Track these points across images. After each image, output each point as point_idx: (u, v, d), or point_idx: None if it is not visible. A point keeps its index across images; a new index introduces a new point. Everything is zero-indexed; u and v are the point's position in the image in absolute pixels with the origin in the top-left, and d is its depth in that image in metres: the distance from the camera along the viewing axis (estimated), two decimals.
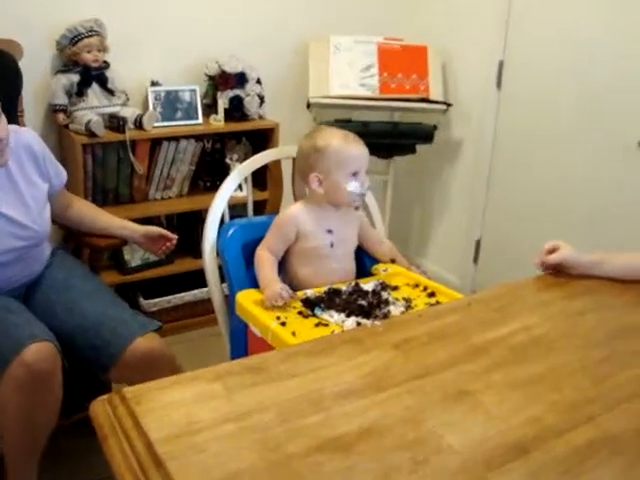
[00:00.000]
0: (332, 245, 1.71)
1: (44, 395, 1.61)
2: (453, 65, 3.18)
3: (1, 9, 2.44)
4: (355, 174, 1.66)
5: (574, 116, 2.68)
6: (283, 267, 1.74)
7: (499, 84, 2.98)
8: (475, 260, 3.27)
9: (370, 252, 1.84)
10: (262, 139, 2.89)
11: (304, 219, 1.69)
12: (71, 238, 2.17)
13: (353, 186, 1.66)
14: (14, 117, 2.22)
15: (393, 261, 1.80)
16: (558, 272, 1.52)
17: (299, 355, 1.13)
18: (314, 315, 1.48)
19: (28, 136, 1.84)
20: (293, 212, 1.71)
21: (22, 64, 2.27)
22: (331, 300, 1.53)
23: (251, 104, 2.82)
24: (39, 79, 2.56)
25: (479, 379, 1.06)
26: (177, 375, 1.05)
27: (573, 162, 2.71)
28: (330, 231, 1.71)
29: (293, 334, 1.39)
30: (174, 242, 2.05)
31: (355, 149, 1.66)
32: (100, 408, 0.98)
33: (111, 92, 2.59)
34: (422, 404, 0.99)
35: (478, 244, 3.24)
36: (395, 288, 1.64)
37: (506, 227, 3.07)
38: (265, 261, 1.66)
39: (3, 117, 1.66)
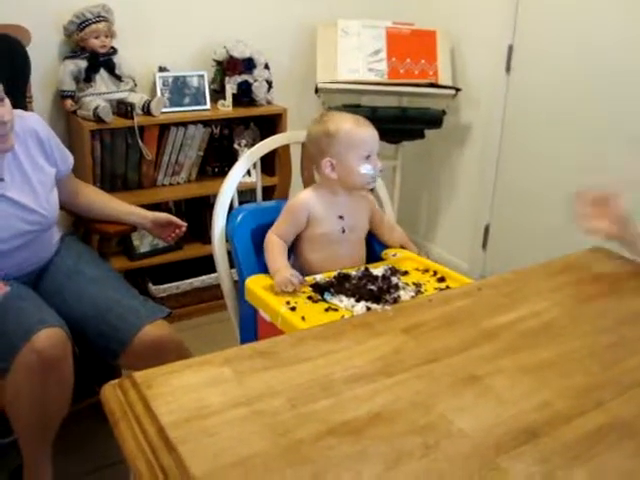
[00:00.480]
0: (343, 231, 1.71)
1: (55, 381, 1.61)
2: (462, 50, 3.16)
3: None
4: (368, 157, 1.65)
5: (583, 101, 2.65)
6: (293, 252, 1.74)
7: (508, 69, 2.95)
8: (484, 245, 3.26)
9: (380, 238, 1.84)
10: (270, 124, 2.88)
11: (315, 205, 1.69)
12: (80, 224, 2.18)
13: (366, 168, 1.65)
14: (22, 103, 2.22)
15: (403, 248, 1.80)
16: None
17: (309, 339, 1.13)
18: (324, 300, 1.49)
19: (33, 121, 1.84)
20: (304, 198, 1.71)
21: (30, 50, 2.27)
22: (341, 285, 1.53)
23: (259, 89, 2.81)
24: (47, 65, 2.56)
25: (489, 364, 1.06)
26: (187, 359, 1.06)
27: (582, 147, 2.69)
28: (341, 217, 1.71)
29: (303, 319, 1.39)
30: (183, 229, 2.05)
31: (366, 132, 1.66)
32: (111, 393, 0.98)
33: (119, 78, 2.59)
34: (432, 389, 0.99)
35: (487, 229, 3.23)
36: (405, 273, 1.64)
37: (515, 212, 3.06)
38: (275, 246, 1.66)
39: (7, 100, 1.65)
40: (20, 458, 1.72)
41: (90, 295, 1.80)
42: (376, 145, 1.69)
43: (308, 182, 1.88)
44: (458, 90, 3.00)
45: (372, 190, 1.76)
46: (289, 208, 1.71)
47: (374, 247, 1.84)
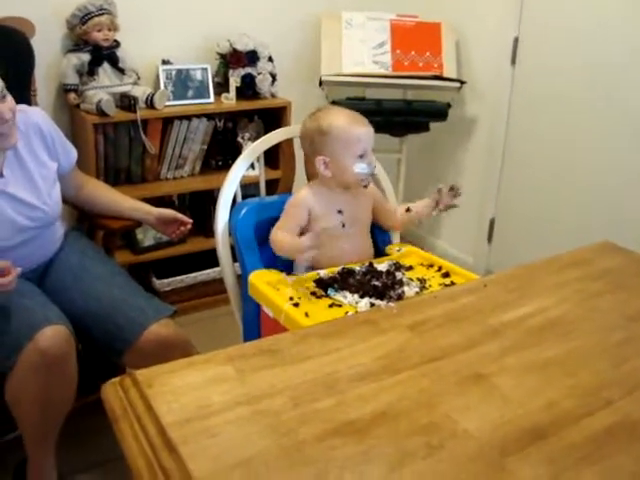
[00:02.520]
0: (343, 225, 1.69)
1: (59, 379, 1.61)
2: (467, 42, 3.13)
3: None
4: (361, 155, 1.63)
5: (590, 93, 2.63)
6: None
7: (514, 61, 2.93)
8: (489, 239, 3.24)
9: (389, 225, 1.82)
10: (274, 117, 2.87)
11: (314, 201, 1.68)
12: (85, 219, 2.16)
13: (360, 167, 1.63)
14: (27, 96, 2.21)
15: (408, 209, 1.78)
16: None
17: (312, 337, 1.12)
18: (327, 296, 1.48)
19: (36, 115, 1.82)
20: (303, 195, 1.70)
21: (33, 43, 2.25)
22: (345, 281, 1.52)
23: (263, 82, 2.79)
24: (50, 58, 2.54)
25: (495, 362, 1.05)
26: (189, 358, 1.04)
27: (588, 140, 2.67)
28: (340, 211, 1.69)
29: (306, 315, 1.38)
30: (189, 227, 2.03)
31: (360, 130, 1.63)
32: (112, 391, 0.97)
33: (122, 71, 2.57)
34: (437, 387, 0.98)
35: (492, 223, 3.21)
36: (409, 268, 1.63)
37: (520, 206, 3.04)
38: (282, 238, 1.64)
39: (9, 97, 1.64)
40: (24, 453, 1.71)
41: (95, 293, 1.79)
42: (371, 142, 1.66)
43: (312, 176, 1.87)
44: (463, 83, 2.98)
45: (366, 187, 1.71)
46: (289, 206, 1.70)
47: (377, 242, 1.82)
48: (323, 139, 1.63)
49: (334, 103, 2.86)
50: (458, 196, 1.71)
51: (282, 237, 1.64)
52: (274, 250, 1.66)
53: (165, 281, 2.83)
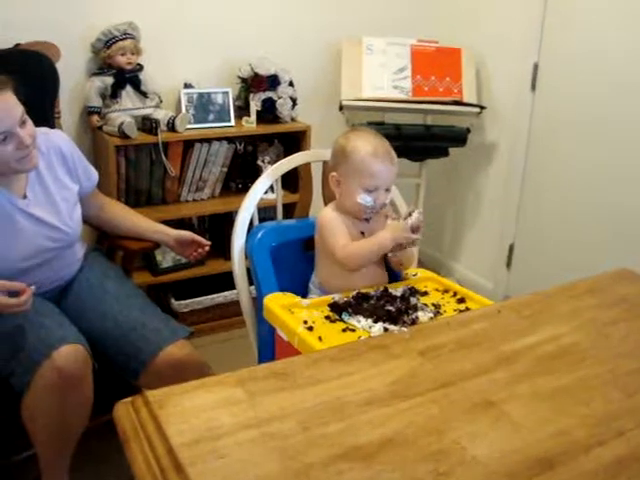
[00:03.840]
0: None
1: (75, 397, 1.62)
2: (487, 67, 3.14)
3: (40, 12, 2.47)
4: (370, 190, 1.62)
5: (610, 119, 2.62)
6: (316, 268, 1.73)
7: (534, 87, 2.93)
8: (508, 265, 3.22)
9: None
10: (294, 141, 2.89)
11: (341, 221, 1.67)
12: (104, 240, 2.19)
13: (363, 199, 1.62)
14: (51, 118, 2.25)
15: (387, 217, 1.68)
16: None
17: (324, 361, 1.12)
18: (341, 320, 1.48)
19: (57, 138, 1.86)
20: (330, 214, 1.68)
21: (59, 66, 2.30)
22: (359, 305, 1.52)
23: (283, 106, 2.82)
24: (75, 81, 2.59)
25: (505, 389, 1.04)
26: (201, 379, 1.05)
27: (609, 166, 2.65)
28: (362, 233, 1.69)
29: (320, 339, 1.38)
30: (207, 249, 2.04)
31: (378, 167, 1.61)
32: (123, 411, 0.98)
33: (144, 94, 2.62)
34: (447, 414, 0.98)
35: (511, 248, 3.20)
36: (424, 293, 1.63)
37: (540, 231, 3.03)
38: (354, 245, 1.62)
39: (29, 122, 1.67)
40: (38, 471, 1.72)
41: (113, 314, 1.80)
42: (388, 180, 1.64)
43: (329, 199, 1.87)
44: (483, 108, 2.98)
45: (367, 220, 1.69)
46: (326, 226, 1.67)
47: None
48: (343, 159, 1.64)
49: (358, 127, 2.88)
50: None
51: (355, 245, 1.62)
52: (352, 267, 1.64)
53: (183, 302, 2.84)
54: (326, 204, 1.78)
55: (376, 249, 1.59)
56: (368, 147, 1.62)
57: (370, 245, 1.60)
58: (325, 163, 1.85)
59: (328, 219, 1.68)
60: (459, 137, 3.00)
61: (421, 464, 0.87)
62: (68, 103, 2.57)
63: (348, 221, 1.69)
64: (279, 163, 1.88)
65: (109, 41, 2.51)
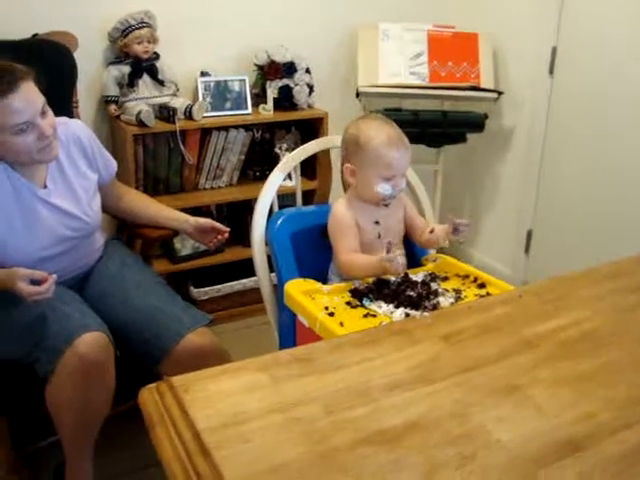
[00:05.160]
0: (379, 236, 1.69)
1: (97, 385, 1.64)
2: (505, 52, 3.12)
3: (56, 2, 2.48)
4: (388, 178, 1.62)
5: (629, 103, 2.60)
6: (333, 256, 1.73)
7: (552, 71, 2.91)
8: (526, 251, 3.21)
9: (413, 237, 1.80)
10: (311, 128, 2.89)
11: (355, 214, 1.67)
12: (124, 228, 2.20)
13: (383, 187, 1.62)
14: (69, 108, 2.26)
15: (432, 231, 1.68)
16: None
17: (347, 346, 1.12)
18: (362, 306, 1.48)
19: (76, 127, 1.86)
20: (343, 211, 1.67)
21: (76, 56, 2.31)
22: (379, 291, 1.52)
23: (300, 93, 2.81)
24: (92, 71, 2.60)
25: (529, 373, 1.04)
26: (225, 365, 1.06)
27: (628, 151, 2.63)
28: (377, 222, 1.69)
29: (341, 324, 1.38)
30: (226, 235, 2.04)
31: (395, 154, 1.60)
32: (148, 396, 0.99)
33: (161, 83, 2.62)
34: (470, 398, 0.98)
35: (529, 234, 3.18)
36: (445, 279, 1.63)
37: (558, 217, 3.01)
38: (354, 257, 1.62)
39: (50, 113, 1.67)
40: (63, 457, 1.75)
41: (133, 302, 1.82)
42: (404, 166, 1.64)
43: (349, 185, 1.87)
44: (500, 93, 2.97)
45: (386, 205, 1.69)
46: (338, 224, 1.67)
47: (414, 252, 1.82)
48: (357, 150, 1.63)
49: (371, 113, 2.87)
50: (461, 232, 1.65)
51: (355, 258, 1.62)
52: (347, 275, 1.64)
53: (202, 290, 2.86)
54: (346, 190, 1.77)
55: (371, 273, 1.57)
56: (382, 136, 1.61)
57: (367, 265, 1.57)
58: None
59: (340, 217, 1.67)
60: (477, 123, 2.99)
61: (445, 448, 0.87)
62: (86, 92, 2.58)
63: (364, 211, 1.68)
64: (298, 149, 1.88)
65: (126, 30, 2.52)
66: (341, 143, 1.72)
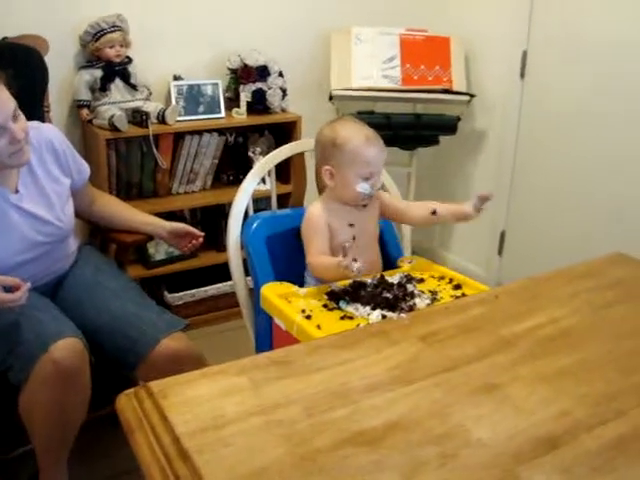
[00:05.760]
0: (354, 238, 1.70)
1: (72, 391, 1.62)
2: (476, 56, 3.15)
3: (27, 5, 2.45)
4: (367, 178, 1.63)
5: (599, 105, 2.63)
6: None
7: (523, 74, 2.94)
8: (500, 252, 3.24)
9: (405, 222, 1.79)
10: (285, 132, 2.89)
11: (329, 216, 1.68)
12: (98, 233, 2.18)
13: (363, 187, 1.63)
14: (40, 112, 2.23)
15: (434, 212, 1.71)
16: None
17: (325, 348, 1.12)
18: (339, 308, 1.48)
19: (49, 132, 1.84)
20: (317, 213, 1.68)
21: (48, 59, 2.28)
22: (356, 293, 1.52)
23: (273, 97, 2.81)
24: (64, 75, 2.57)
25: (507, 372, 1.05)
26: (203, 369, 1.05)
27: (599, 152, 2.67)
28: (352, 225, 1.70)
29: (318, 327, 1.38)
30: (201, 240, 2.03)
31: (373, 152, 1.62)
32: (126, 402, 0.98)
33: (134, 87, 2.60)
34: (450, 397, 0.98)
35: (503, 236, 3.21)
36: (420, 280, 1.63)
37: (531, 218, 3.04)
38: (321, 260, 1.62)
39: (22, 117, 1.65)
40: (36, 467, 1.72)
41: (108, 307, 1.80)
42: (380, 165, 1.65)
43: (324, 188, 1.87)
44: (472, 96, 2.99)
45: (364, 206, 1.71)
46: (311, 226, 1.67)
47: (389, 255, 1.83)
48: (335, 151, 1.63)
49: (345, 117, 2.88)
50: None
51: (321, 260, 1.62)
52: (316, 276, 1.66)
53: (177, 295, 2.84)
54: (321, 193, 1.78)
55: (336, 275, 1.55)
56: (359, 135, 1.62)
57: (330, 267, 1.55)
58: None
59: (312, 219, 1.68)
60: (449, 125, 3.01)
61: (426, 447, 0.87)
62: (57, 97, 2.55)
63: (339, 213, 1.68)
64: (272, 153, 1.88)
65: (97, 34, 2.49)
66: (315, 146, 1.72)
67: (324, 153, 1.67)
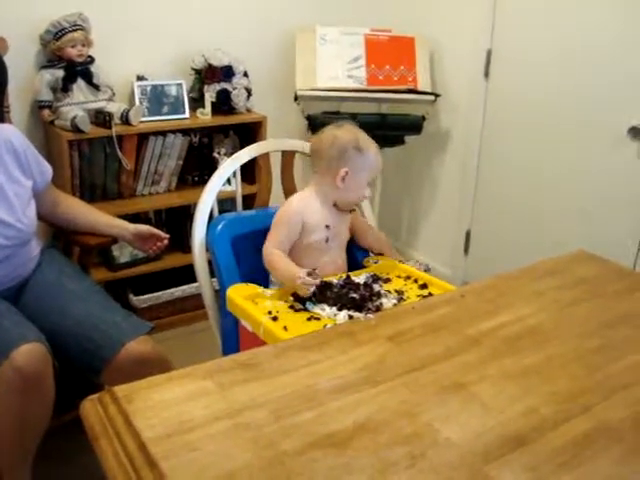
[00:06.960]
0: (327, 240, 1.70)
1: (36, 397, 1.59)
2: (441, 55, 3.17)
3: None
4: (369, 183, 1.72)
5: (563, 105, 2.67)
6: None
7: (487, 74, 2.96)
8: (466, 251, 3.26)
9: (362, 242, 1.83)
10: (250, 132, 2.87)
11: (308, 213, 1.68)
12: (61, 236, 2.15)
13: (367, 192, 1.73)
14: (0, 113, 2.19)
15: (380, 254, 1.80)
16: None
17: (292, 350, 1.12)
18: (305, 309, 1.47)
19: (8, 132, 1.81)
20: (298, 207, 1.68)
21: (7, 59, 2.24)
22: (322, 293, 1.51)
23: (238, 97, 2.79)
24: (24, 75, 2.52)
25: (474, 371, 1.06)
26: (168, 373, 1.04)
27: (562, 151, 2.70)
28: (328, 226, 1.70)
29: (285, 329, 1.37)
30: (165, 242, 2.02)
31: (380, 161, 1.74)
32: (91, 407, 0.97)
33: (96, 87, 2.56)
34: (418, 397, 0.98)
35: (468, 235, 3.24)
36: (387, 280, 1.63)
37: (496, 218, 3.07)
38: (278, 258, 1.63)
39: None
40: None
41: (72, 311, 1.77)
42: None
43: (289, 191, 1.87)
44: (437, 96, 3.01)
45: (352, 210, 1.81)
46: (283, 217, 1.68)
47: (355, 254, 1.83)
48: (357, 154, 1.67)
49: (309, 118, 2.88)
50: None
51: (278, 259, 1.62)
52: (266, 266, 1.65)
53: (142, 298, 2.81)
54: (286, 195, 1.77)
55: (283, 275, 1.58)
56: (373, 144, 1.72)
57: (284, 271, 1.58)
58: (286, 153, 1.84)
59: (290, 212, 1.68)
60: (414, 125, 3.02)
61: (395, 448, 0.87)
62: (17, 97, 2.50)
63: (321, 213, 1.70)
64: (238, 153, 1.87)
65: (58, 33, 2.45)
66: (328, 148, 1.70)
67: (343, 155, 1.67)
